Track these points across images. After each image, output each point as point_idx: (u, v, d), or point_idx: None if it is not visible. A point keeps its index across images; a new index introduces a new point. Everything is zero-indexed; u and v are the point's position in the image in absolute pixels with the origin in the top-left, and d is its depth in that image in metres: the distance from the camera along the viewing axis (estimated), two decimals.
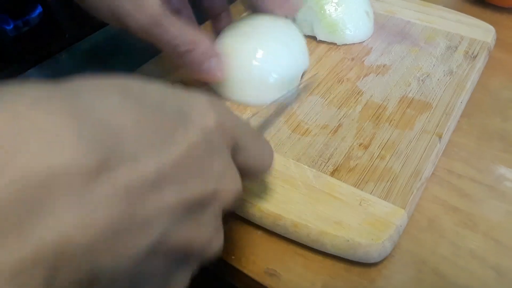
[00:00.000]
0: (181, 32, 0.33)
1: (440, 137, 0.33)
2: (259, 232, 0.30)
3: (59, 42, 0.52)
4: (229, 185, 0.20)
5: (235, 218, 0.31)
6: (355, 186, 0.30)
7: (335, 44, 0.42)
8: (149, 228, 0.15)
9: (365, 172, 0.31)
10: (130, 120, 0.16)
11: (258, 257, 0.29)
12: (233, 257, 0.29)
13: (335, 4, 0.41)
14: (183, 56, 0.33)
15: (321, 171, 0.31)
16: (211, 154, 0.19)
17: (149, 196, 0.15)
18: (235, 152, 0.22)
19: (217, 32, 0.40)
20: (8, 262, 0.12)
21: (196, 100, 0.19)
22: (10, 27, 0.50)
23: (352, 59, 0.41)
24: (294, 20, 0.43)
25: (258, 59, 0.35)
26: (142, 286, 0.17)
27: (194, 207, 0.18)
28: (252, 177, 0.24)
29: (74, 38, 0.52)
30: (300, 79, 0.38)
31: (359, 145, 0.33)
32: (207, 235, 0.19)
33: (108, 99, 0.16)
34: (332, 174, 0.31)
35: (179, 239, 0.17)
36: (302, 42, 0.38)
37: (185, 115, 0.18)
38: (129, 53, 0.44)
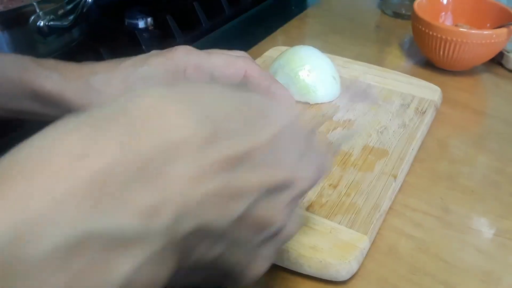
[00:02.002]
0: None
1: (395, 178, 0.41)
2: None
3: None
4: (305, 174, 0.23)
5: None
6: (326, 218, 0.37)
7: (308, 103, 0.50)
8: (240, 198, 0.19)
9: (334, 207, 0.38)
10: (231, 107, 0.20)
11: None
12: None
13: (307, 71, 0.50)
14: None
15: (298, 207, 0.38)
16: (292, 144, 0.22)
17: (242, 170, 0.19)
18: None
19: None
20: (146, 201, 0.16)
21: (276, 102, 0.24)
22: None
23: (323, 115, 0.49)
24: None
25: None
26: (236, 250, 0.20)
27: (275, 189, 0.21)
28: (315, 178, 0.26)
29: None
30: None
31: (329, 185, 0.40)
32: (283, 217, 0.22)
33: (213, 92, 0.21)
34: (307, 209, 0.38)
35: (260, 214, 0.20)
36: None
37: (270, 108, 0.22)
38: None
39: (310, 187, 0.24)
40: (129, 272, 0.15)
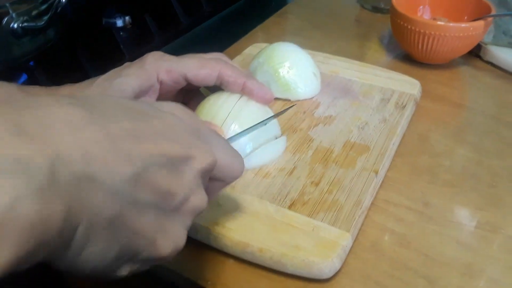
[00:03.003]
0: None
1: (376, 173, 0.41)
2: (231, 261, 0.36)
3: None
4: (202, 151, 0.24)
5: (210, 249, 0.36)
6: (308, 216, 0.37)
7: (289, 100, 0.50)
8: (128, 159, 0.20)
9: (317, 205, 0.38)
10: (118, 108, 0.23)
11: (231, 282, 0.35)
12: (209, 282, 0.35)
13: (287, 68, 0.49)
14: None
15: (280, 206, 0.38)
16: (182, 126, 0.24)
17: (129, 140, 0.21)
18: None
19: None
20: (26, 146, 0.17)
21: (166, 103, 0.26)
22: None
23: (304, 112, 0.49)
24: None
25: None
26: (139, 215, 0.21)
27: (172, 162, 0.22)
28: (228, 178, 0.28)
29: None
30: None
31: (311, 183, 0.40)
32: (186, 189, 0.23)
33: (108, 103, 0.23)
34: (290, 207, 0.37)
35: (159, 181, 0.21)
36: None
37: (156, 108, 0.25)
38: None
39: (211, 165, 0.25)
40: (8, 201, 0.16)
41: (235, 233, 0.35)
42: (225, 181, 0.28)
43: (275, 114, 0.43)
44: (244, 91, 0.42)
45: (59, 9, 0.54)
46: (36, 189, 0.17)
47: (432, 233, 0.38)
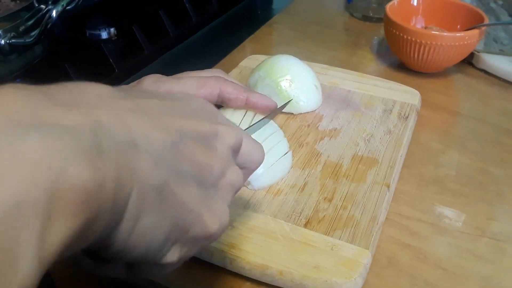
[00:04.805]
0: None
1: (388, 187, 0.40)
2: (248, 284, 0.35)
3: None
4: (226, 127, 0.25)
5: (226, 272, 0.35)
6: (325, 234, 0.36)
7: (292, 113, 0.50)
8: (168, 126, 0.21)
9: (333, 221, 0.37)
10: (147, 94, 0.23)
11: None
12: None
13: (289, 81, 0.49)
14: None
15: (296, 224, 0.37)
16: (205, 110, 0.25)
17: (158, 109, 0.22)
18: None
19: None
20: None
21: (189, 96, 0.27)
22: None
23: (308, 125, 0.48)
24: None
25: None
26: (183, 184, 0.21)
27: (203, 138, 0.23)
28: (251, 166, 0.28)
29: None
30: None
31: (324, 199, 0.39)
32: (220, 163, 0.24)
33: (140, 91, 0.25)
34: (305, 225, 0.37)
35: (197, 153, 0.22)
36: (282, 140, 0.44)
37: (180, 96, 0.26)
38: None
39: (238, 142, 0.26)
40: (59, 166, 0.15)
41: (253, 255, 0.34)
42: (249, 168, 0.28)
43: (271, 113, 0.42)
44: (247, 106, 0.41)
45: (49, 25, 0.52)
46: (85, 154, 0.16)
47: (447, 246, 0.38)
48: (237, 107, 0.42)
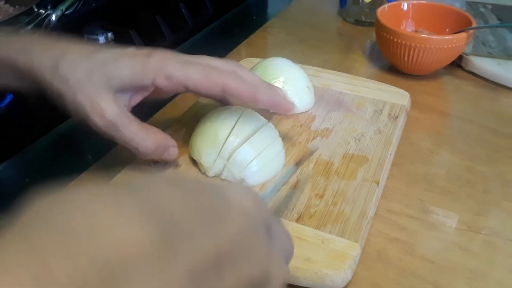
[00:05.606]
0: (135, 135, 0.37)
1: (377, 184, 0.42)
2: None
3: (32, 130, 0.55)
4: (278, 266, 0.21)
5: None
6: (317, 229, 0.37)
7: (285, 114, 0.51)
8: None
9: (324, 217, 0.38)
10: (181, 206, 0.18)
11: None
12: None
13: (282, 82, 0.50)
14: (140, 153, 0.38)
15: (288, 219, 0.38)
16: (258, 234, 0.20)
17: (212, 277, 0.17)
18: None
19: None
20: None
21: (231, 187, 0.21)
22: None
23: (301, 125, 0.49)
24: None
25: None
26: None
27: (255, 285, 0.19)
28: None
29: (48, 125, 0.55)
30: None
31: (316, 195, 0.40)
32: None
33: (160, 190, 0.18)
34: (297, 220, 0.38)
35: None
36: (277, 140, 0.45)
37: (225, 199, 0.20)
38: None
39: (287, 278, 0.22)
40: None
41: None
42: None
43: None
44: (253, 103, 0.39)
45: (49, 29, 0.53)
46: None
47: (435, 240, 0.40)
48: (242, 105, 0.43)
